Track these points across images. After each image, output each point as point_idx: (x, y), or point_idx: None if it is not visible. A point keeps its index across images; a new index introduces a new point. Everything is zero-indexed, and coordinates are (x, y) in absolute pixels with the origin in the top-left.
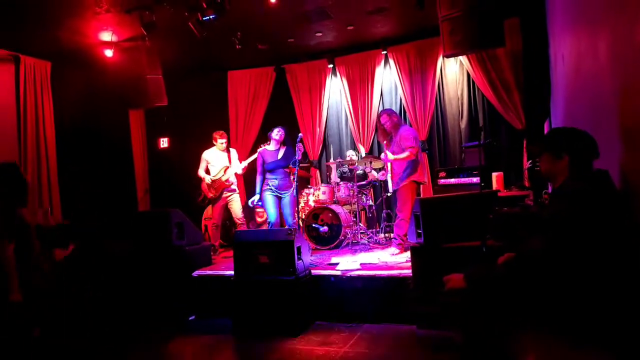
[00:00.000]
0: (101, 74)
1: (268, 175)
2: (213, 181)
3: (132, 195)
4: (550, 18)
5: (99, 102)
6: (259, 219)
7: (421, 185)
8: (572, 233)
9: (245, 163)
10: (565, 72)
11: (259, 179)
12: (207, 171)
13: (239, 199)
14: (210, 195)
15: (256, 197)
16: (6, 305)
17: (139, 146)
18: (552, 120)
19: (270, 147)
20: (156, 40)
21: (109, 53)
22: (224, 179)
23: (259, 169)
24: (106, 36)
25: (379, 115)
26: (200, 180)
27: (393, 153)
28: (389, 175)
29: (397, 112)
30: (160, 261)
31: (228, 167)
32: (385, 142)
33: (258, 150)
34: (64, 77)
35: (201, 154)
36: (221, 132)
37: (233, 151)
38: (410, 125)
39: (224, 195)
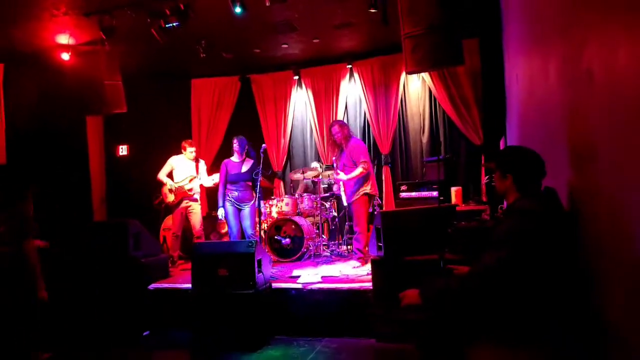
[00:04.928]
0: (57, 77)
1: (229, 187)
2: (175, 187)
3: (88, 204)
4: (505, 39)
5: (54, 106)
6: (222, 231)
7: (376, 197)
8: (519, 250)
9: (217, 178)
10: (519, 92)
11: (220, 190)
12: (170, 176)
13: (199, 210)
14: (168, 200)
15: (221, 211)
16: (36, 303)
17: (97, 153)
18: (507, 137)
19: (235, 158)
20: (116, 45)
21: (65, 56)
22: (187, 187)
23: (222, 180)
24: (63, 39)
25: (330, 126)
26: (160, 183)
27: (343, 165)
28: (342, 189)
29: (362, 125)
30: (115, 273)
31: (194, 178)
32: (334, 153)
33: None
34: (18, 79)
35: (162, 161)
36: (190, 140)
37: (202, 162)
38: (373, 139)
39: (183, 205)
